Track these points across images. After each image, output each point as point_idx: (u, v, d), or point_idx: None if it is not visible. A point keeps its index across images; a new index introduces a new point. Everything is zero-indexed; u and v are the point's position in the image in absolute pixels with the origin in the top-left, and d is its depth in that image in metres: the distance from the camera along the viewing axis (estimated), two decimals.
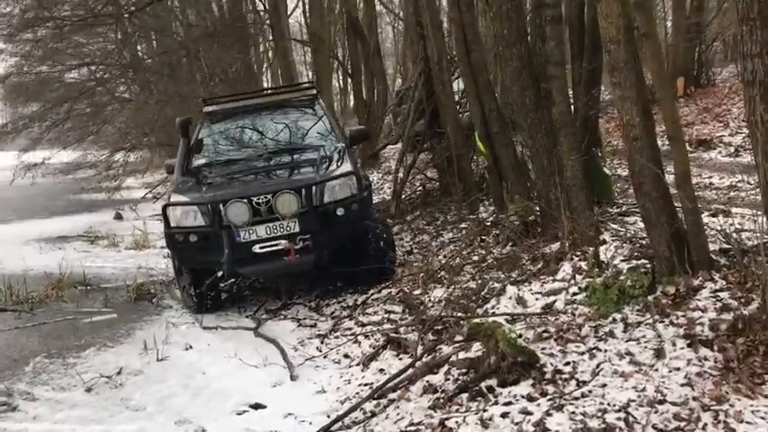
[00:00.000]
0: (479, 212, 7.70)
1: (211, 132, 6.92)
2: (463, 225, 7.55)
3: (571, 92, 6.02)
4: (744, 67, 3.35)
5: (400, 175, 9.20)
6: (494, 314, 4.50)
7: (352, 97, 17.73)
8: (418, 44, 9.16)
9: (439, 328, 4.59)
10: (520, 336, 3.95)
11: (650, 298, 4.17)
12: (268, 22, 13.84)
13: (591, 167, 6.06)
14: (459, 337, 4.07)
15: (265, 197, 5.57)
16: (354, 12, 15.35)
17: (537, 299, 4.68)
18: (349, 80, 16.68)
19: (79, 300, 6.76)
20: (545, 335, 3.99)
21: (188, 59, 16.16)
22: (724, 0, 14.57)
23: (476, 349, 3.95)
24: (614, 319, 4.06)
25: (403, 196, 9.31)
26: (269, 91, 7.73)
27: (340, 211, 5.68)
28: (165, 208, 5.75)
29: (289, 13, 18.24)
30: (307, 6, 13.74)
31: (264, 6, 13.92)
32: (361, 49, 15.43)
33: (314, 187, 5.65)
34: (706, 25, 14.52)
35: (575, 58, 6.16)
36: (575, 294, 4.57)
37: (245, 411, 3.97)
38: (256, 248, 5.53)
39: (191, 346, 5.15)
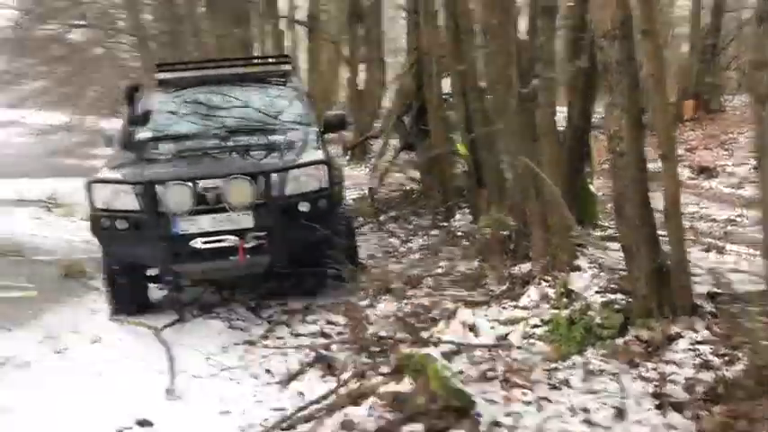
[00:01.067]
0: (454, 220, 7.08)
1: (163, 103, 6.04)
2: (435, 232, 6.94)
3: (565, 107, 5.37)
4: (753, 79, 2.74)
5: (379, 171, 8.59)
6: (438, 341, 3.89)
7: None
8: (413, 34, 8.57)
9: (376, 349, 3.98)
10: (460, 372, 3.36)
11: (620, 342, 3.59)
12: None
13: (576, 184, 5.46)
14: (385, 369, 3.45)
15: (213, 182, 4.71)
16: None
17: (492, 327, 4.08)
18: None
19: (2, 272, 6.14)
20: (490, 374, 3.39)
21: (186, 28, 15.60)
22: (742, 24, 13.94)
23: (409, 382, 3.35)
24: (573, 364, 3.46)
25: (380, 194, 8.69)
26: (235, 61, 6.90)
27: (304, 207, 4.80)
28: (89, 185, 4.84)
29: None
30: None
31: None
32: (363, 36, 14.80)
33: (274, 175, 4.80)
34: (722, 48, 13.89)
35: (571, 60, 5.52)
36: (535, 326, 3.98)
37: (127, 428, 3.35)
38: (198, 243, 4.66)
39: (99, 339, 4.55)
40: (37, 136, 16.15)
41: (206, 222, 4.68)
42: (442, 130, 7.49)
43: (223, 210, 4.70)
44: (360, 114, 13.12)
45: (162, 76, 6.27)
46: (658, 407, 3.00)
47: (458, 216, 7.15)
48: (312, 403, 3.45)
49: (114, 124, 16.99)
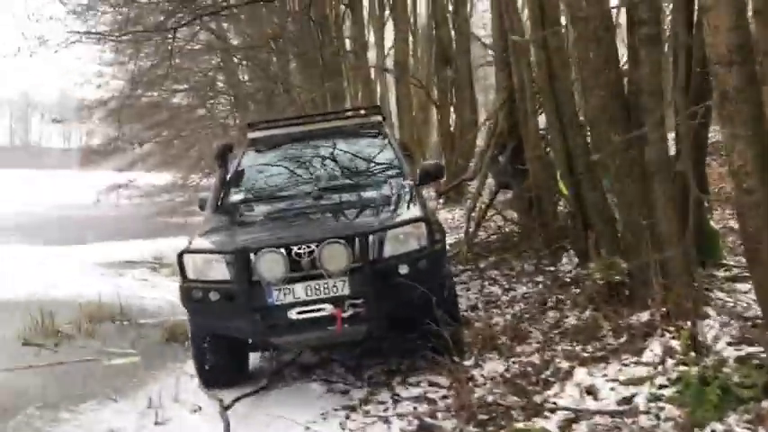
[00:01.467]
0: (560, 265, 6.68)
1: (255, 162, 5.97)
2: (540, 278, 6.56)
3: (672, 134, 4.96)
4: None
5: (475, 214, 8.30)
6: (554, 407, 3.55)
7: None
8: (503, 72, 8.33)
9: (485, 417, 3.67)
10: None
11: (766, 405, 3.13)
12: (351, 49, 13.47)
13: (694, 221, 4.99)
14: None
15: (308, 247, 4.37)
16: (446, 40, 14.62)
17: (612, 388, 3.69)
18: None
19: (109, 337, 6.29)
20: None
21: (280, 85, 16.09)
22: None
23: None
24: None
25: (477, 239, 8.38)
26: (326, 116, 6.83)
27: (403, 269, 4.40)
28: (181, 255, 4.59)
29: (388, 46, 17.72)
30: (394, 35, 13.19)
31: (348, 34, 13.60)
32: (452, 78, 14.70)
33: (371, 236, 4.44)
34: None
35: (680, 89, 5.12)
36: (662, 387, 3.56)
37: None
38: (293, 314, 4.33)
39: (199, 408, 4.47)
40: (144, 197, 16.91)
41: (301, 290, 4.37)
42: (540, 169, 7.16)
43: (318, 276, 4.35)
44: (453, 157, 12.94)
45: (253, 134, 6.25)
46: None
47: (564, 260, 6.74)
48: None
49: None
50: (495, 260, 7.69)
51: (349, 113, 7.15)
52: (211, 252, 4.58)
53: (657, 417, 3.30)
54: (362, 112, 7.26)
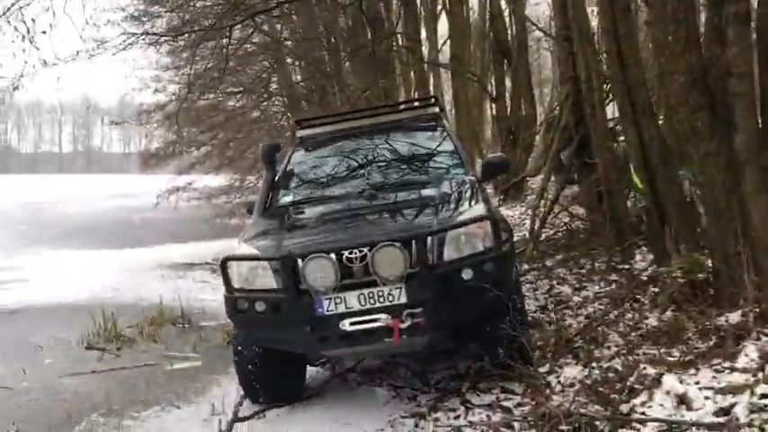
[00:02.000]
0: (634, 262, 6.34)
1: (304, 162, 5.66)
2: (613, 277, 6.23)
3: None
4: None
5: (540, 210, 8.00)
6: (643, 416, 3.27)
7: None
8: (566, 63, 8.01)
9: (566, 429, 3.41)
10: None
11: None
12: (404, 44, 13.25)
13: None
14: None
15: (360, 251, 4.02)
16: (503, 33, 14.29)
17: (707, 397, 3.38)
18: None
19: (171, 340, 6.26)
20: None
21: (331, 82, 16.00)
22: None
23: None
24: None
25: (543, 236, 8.08)
26: (379, 110, 6.44)
27: (467, 274, 4.04)
28: (224, 263, 4.26)
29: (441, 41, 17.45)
30: (448, 28, 12.96)
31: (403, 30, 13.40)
32: (508, 71, 14.36)
33: (429, 238, 4.08)
34: None
35: (764, 71, 4.74)
36: (764, 396, 3.23)
37: None
38: (346, 325, 4.00)
39: (264, 414, 4.34)
40: (202, 199, 17.07)
41: (354, 299, 4.01)
42: (610, 162, 6.81)
43: (372, 283, 4.01)
44: (513, 152, 12.60)
45: (303, 133, 5.98)
46: None
47: (637, 257, 6.39)
48: None
49: None
50: (563, 258, 7.37)
51: (403, 105, 6.80)
52: (256, 259, 4.26)
53: (762, 430, 2.99)
54: (417, 104, 6.92)
